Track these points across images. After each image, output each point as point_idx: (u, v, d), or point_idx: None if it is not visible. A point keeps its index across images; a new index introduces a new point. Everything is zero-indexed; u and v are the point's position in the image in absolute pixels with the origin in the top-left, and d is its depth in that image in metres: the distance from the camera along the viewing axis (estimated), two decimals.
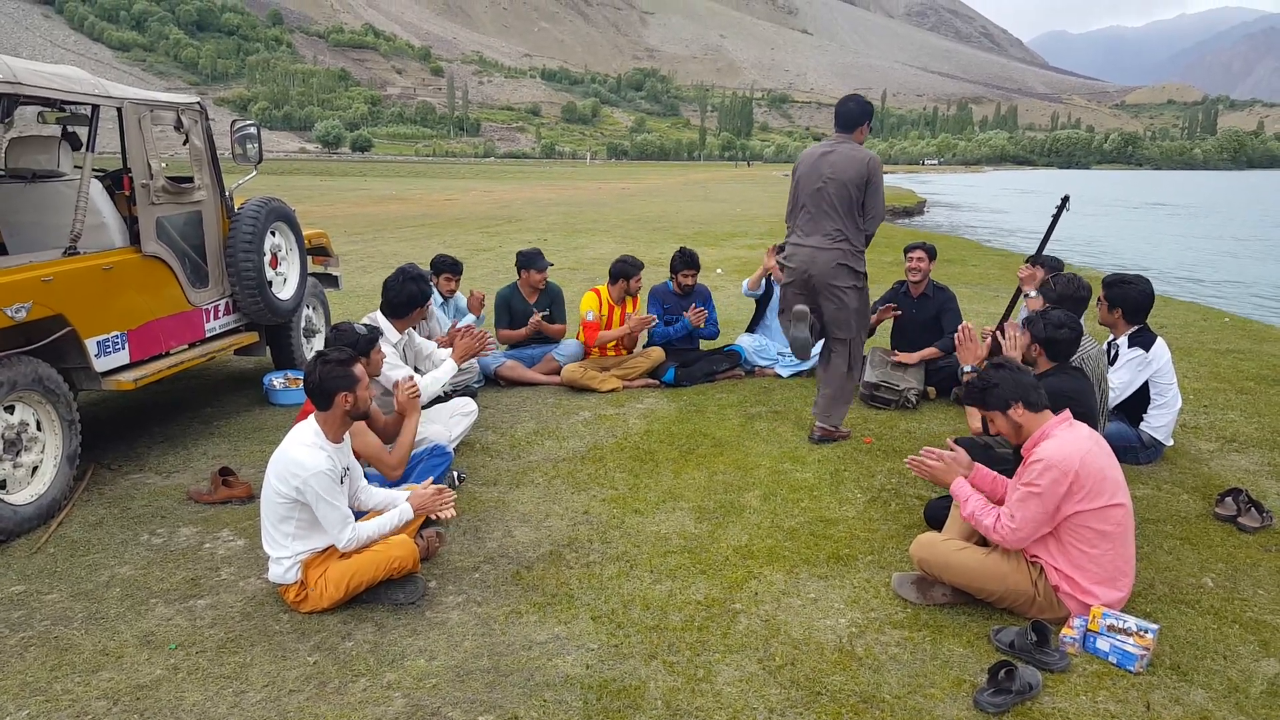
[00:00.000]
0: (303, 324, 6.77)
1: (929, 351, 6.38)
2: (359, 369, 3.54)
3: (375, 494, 3.80)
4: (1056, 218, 5.13)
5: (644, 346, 7.01)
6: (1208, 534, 4.19)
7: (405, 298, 5.02)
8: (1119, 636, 3.06)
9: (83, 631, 3.30)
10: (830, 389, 5.40)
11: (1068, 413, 3.37)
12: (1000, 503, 3.50)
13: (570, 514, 4.39)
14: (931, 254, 6.57)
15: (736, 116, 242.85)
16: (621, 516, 4.35)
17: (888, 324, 6.81)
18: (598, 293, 6.83)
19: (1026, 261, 5.87)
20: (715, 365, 6.86)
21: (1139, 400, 4.95)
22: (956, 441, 4.92)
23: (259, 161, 5.90)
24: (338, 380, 3.45)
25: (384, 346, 4.63)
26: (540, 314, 6.89)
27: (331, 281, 7.45)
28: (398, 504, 3.72)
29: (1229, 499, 4.36)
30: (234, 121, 5.86)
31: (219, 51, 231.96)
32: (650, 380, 6.76)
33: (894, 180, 69.86)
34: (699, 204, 33.38)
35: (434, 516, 3.74)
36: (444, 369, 4.99)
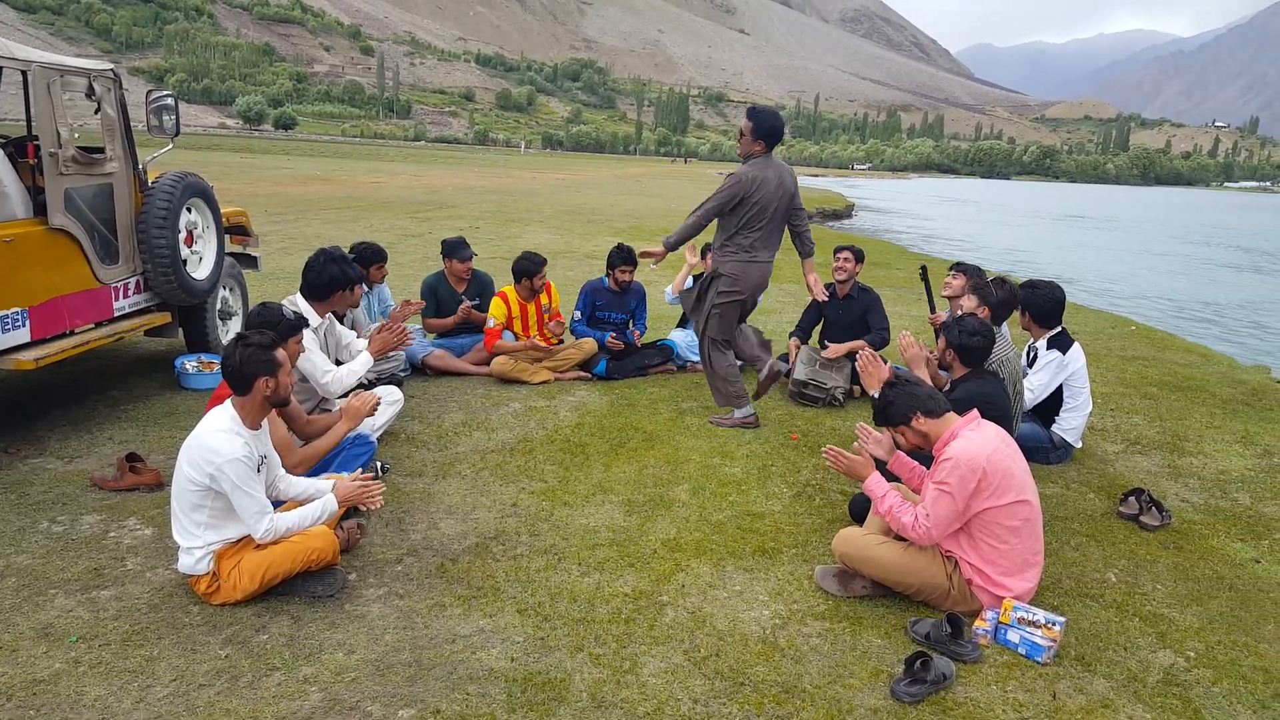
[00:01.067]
0: (218, 305, 6.53)
1: (857, 344, 6.48)
2: (281, 354, 3.42)
3: (296, 483, 3.67)
4: (926, 283, 6.03)
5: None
6: (1111, 531, 4.37)
7: (326, 279, 4.86)
8: (1028, 629, 3.17)
9: None
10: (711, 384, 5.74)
11: (975, 413, 3.47)
12: (917, 489, 3.59)
13: (498, 506, 4.33)
14: (859, 257, 6.67)
15: (673, 112, 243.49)
16: (550, 509, 4.32)
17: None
18: (504, 296, 6.61)
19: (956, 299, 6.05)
20: (647, 360, 6.86)
21: (1052, 403, 5.12)
22: None
23: (176, 134, 5.66)
24: (259, 365, 3.33)
25: (306, 337, 4.47)
26: (470, 302, 6.76)
27: (250, 262, 7.21)
28: (321, 494, 3.61)
29: (1131, 498, 4.55)
30: (149, 91, 5.61)
31: (134, 19, 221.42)
32: (581, 373, 6.72)
33: (824, 184, 71.18)
34: (634, 198, 33.41)
35: (361, 508, 3.65)
36: (359, 361, 4.83)
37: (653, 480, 4.76)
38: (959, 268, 6.16)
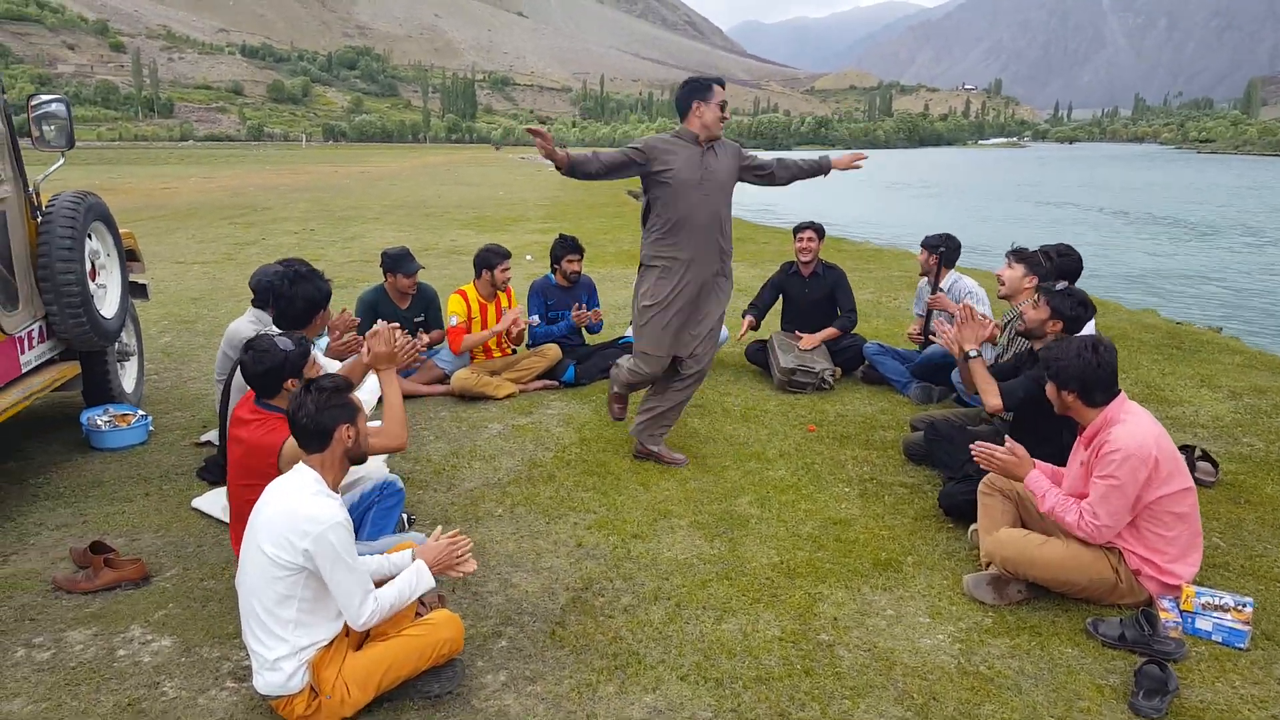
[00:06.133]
0: (116, 345, 5.47)
1: (828, 332, 6.33)
2: (357, 398, 2.79)
3: (366, 563, 3.00)
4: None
5: (527, 347, 6.41)
6: None
7: (301, 304, 4.05)
8: (1216, 614, 3.07)
9: None
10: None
11: (1123, 393, 3.34)
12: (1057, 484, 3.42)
13: (564, 549, 3.81)
14: (820, 233, 6.51)
15: (459, 98, 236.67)
16: (624, 545, 3.84)
17: (778, 307, 6.70)
18: (464, 294, 6.07)
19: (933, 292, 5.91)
20: (611, 360, 6.36)
21: None
22: (914, 421, 4.88)
23: (69, 146, 4.61)
24: (337, 411, 2.70)
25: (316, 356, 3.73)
26: (426, 337, 6.00)
27: (140, 291, 6.11)
28: (400, 567, 2.98)
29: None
30: (32, 96, 4.54)
31: None
32: (548, 381, 6.18)
33: None
34: (454, 188, 32.12)
35: (453, 575, 3.04)
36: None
37: (704, 495, 4.37)
38: (1016, 254, 5.74)
